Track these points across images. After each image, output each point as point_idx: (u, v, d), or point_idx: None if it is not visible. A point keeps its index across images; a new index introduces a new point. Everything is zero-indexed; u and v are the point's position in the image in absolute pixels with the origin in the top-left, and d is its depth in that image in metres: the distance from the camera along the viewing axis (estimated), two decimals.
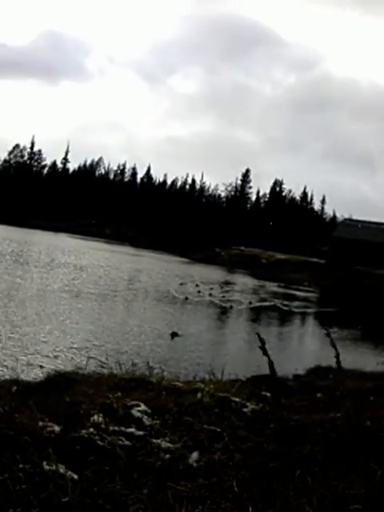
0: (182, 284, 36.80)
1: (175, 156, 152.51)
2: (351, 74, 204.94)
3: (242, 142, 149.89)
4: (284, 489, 4.11)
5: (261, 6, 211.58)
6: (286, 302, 34.71)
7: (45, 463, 4.14)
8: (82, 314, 19.98)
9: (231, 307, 29.14)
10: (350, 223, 73.24)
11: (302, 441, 4.95)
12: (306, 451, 4.73)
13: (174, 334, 17.61)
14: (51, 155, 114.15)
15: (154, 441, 5.03)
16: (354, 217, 77.61)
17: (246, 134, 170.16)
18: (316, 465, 4.48)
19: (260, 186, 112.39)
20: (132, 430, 5.26)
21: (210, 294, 33.05)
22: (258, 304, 32.57)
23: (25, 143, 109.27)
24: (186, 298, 29.44)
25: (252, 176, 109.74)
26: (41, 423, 5.00)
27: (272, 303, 33.41)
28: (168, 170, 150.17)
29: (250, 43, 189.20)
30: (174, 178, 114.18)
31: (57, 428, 4.97)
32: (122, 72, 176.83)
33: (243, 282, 48.35)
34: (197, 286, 36.91)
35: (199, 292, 33.43)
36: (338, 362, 6.11)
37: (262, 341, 4.84)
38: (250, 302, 32.20)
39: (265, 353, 4.82)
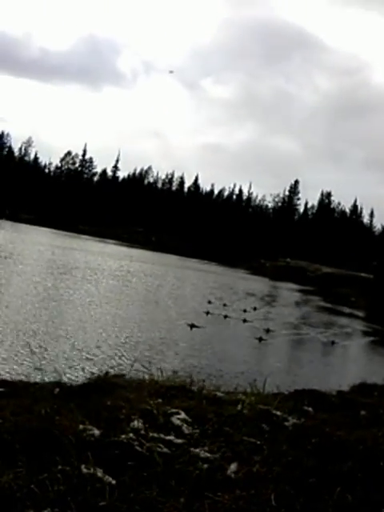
0: (210, 302, 33.34)
1: (216, 164, 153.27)
2: None
3: (282, 149, 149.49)
4: (323, 505, 4.03)
5: (302, 10, 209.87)
6: (330, 330, 32.61)
7: (83, 466, 4.17)
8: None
9: (261, 339, 24.51)
10: None
11: (343, 457, 4.84)
12: (347, 468, 4.62)
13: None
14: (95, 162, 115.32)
15: (193, 450, 4.99)
16: None
17: (286, 142, 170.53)
18: (357, 482, 4.38)
19: (304, 196, 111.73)
20: (171, 437, 5.24)
21: (226, 316, 29.20)
22: (294, 333, 28.78)
23: (72, 150, 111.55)
24: (192, 326, 24.50)
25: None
26: (81, 426, 5.03)
27: (313, 333, 29.99)
28: (208, 177, 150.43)
29: (291, 48, 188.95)
30: (221, 187, 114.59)
31: (96, 432, 4.99)
32: (161, 78, 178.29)
33: (285, 296, 47.38)
34: (225, 305, 33.36)
35: (208, 313, 28.94)
36: None
37: None
38: (268, 330, 27.40)
39: None
